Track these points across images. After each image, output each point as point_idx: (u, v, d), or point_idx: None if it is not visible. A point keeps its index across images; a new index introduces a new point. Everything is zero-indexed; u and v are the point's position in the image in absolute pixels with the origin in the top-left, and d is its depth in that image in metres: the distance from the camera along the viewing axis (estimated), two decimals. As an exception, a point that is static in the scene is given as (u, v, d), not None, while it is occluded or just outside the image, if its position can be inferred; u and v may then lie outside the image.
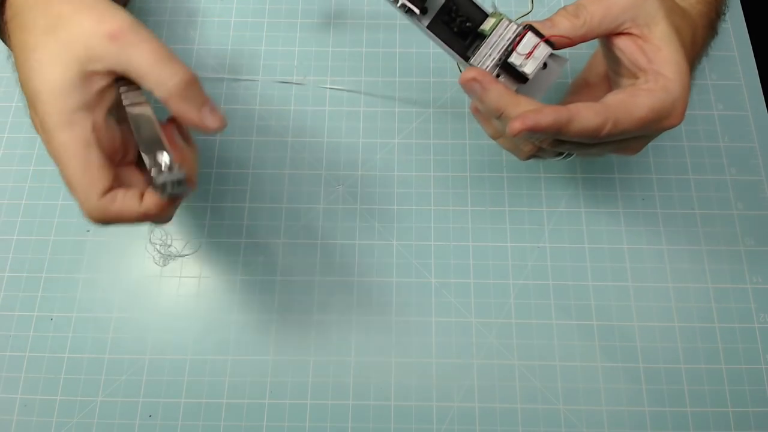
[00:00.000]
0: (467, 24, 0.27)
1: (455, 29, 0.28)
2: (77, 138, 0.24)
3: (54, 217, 0.37)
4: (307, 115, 0.39)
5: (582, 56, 0.34)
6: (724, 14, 0.33)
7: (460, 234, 0.36)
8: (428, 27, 0.28)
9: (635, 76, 0.27)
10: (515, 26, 0.27)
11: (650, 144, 0.38)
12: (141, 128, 0.25)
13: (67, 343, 0.34)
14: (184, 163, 0.26)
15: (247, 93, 0.40)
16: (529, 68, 0.26)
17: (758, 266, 0.35)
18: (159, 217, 0.26)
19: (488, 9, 0.27)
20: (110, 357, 0.34)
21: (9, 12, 0.28)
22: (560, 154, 0.30)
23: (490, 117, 0.29)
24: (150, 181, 0.25)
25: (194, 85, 0.25)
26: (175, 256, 0.36)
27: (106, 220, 0.25)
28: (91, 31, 0.24)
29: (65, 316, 0.35)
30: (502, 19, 0.27)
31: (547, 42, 0.26)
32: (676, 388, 0.33)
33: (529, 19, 0.28)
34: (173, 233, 0.36)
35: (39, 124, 0.25)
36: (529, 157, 0.30)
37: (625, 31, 0.27)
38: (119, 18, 0.25)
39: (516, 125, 0.25)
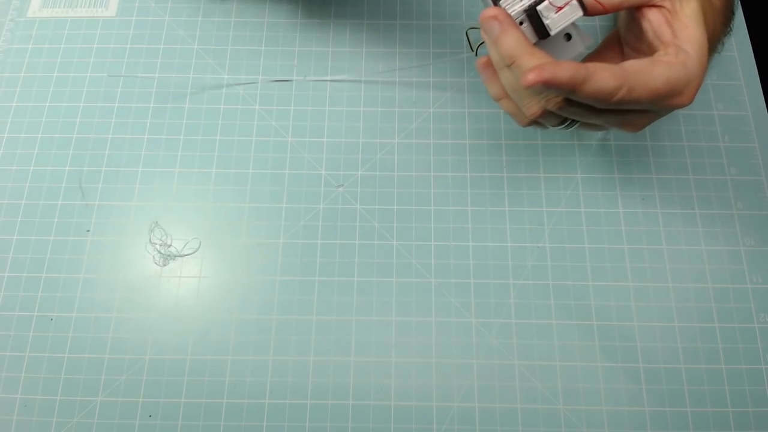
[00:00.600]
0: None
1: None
2: None
3: (54, 217, 0.37)
4: (307, 115, 0.39)
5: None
6: (734, 14, 0.33)
7: (460, 234, 0.36)
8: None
9: (654, 50, 0.27)
10: None
11: (650, 144, 0.38)
12: None
13: (67, 343, 0.34)
14: None
15: (247, 93, 0.40)
16: (554, 23, 0.25)
17: (758, 266, 0.35)
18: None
19: None
20: (110, 357, 0.34)
21: None
22: (563, 122, 0.29)
23: (501, 67, 0.27)
24: None
25: None
26: (175, 256, 0.36)
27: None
28: None
29: (65, 316, 0.35)
30: None
31: (581, 4, 0.25)
32: (676, 388, 0.33)
33: None
34: (173, 233, 0.36)
35: None
36: (530, 123, 0.29)
37: (658, 3, 0.27)
38: None
39: (531, 76, 0.24)
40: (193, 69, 0.41)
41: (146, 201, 0.37)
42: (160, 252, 0.36)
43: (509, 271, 0.35)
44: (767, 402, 0.33)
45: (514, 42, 0.25)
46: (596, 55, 0.31)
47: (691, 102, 0.26)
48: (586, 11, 0.26)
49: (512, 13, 0.26)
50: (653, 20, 0.27)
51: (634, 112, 0.27)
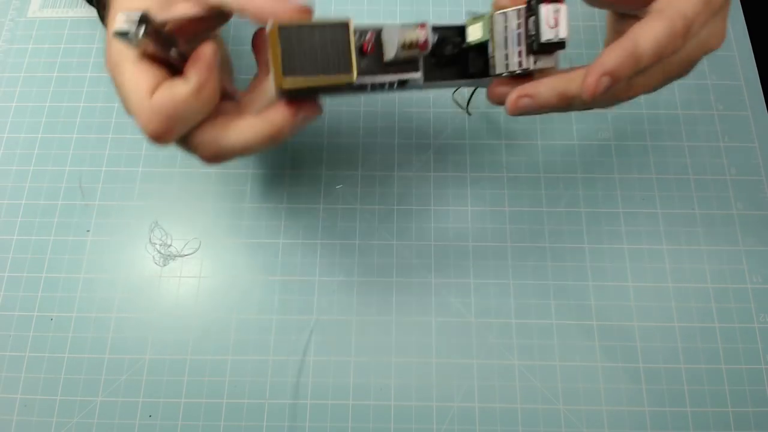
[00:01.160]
0: (462, 46, 0.26)
1: (450, 59, 0.26)
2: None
3: (54, 217, 0.37)
4: (307, 115, 0.39)
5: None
6: None
7: (460, 234, 0.36)
8: (426, 80, 0.26)
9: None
10: (513, 11, 0.25)
11: (650, 144, 0.38)
12: None
13: (67, 343, 0.34)
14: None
15: (247, 93, 0.40)
16: (563, 32, 0.25)
17: (758, 266, 0.35)
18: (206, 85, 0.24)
19: (461, 20, 0.26)
20: (110, 357, 0.34)
21: None
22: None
23: (560, 106, 0.26)
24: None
25: None
26: (175, 256, 0.36)
27: (165, 119, 0.23)
28: None
29: (65, 316, 0.35)
30: (492, 15, 0.25)
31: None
32: (676, 388, 0.33)
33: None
34: (173, 233, 0.36)
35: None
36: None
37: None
38: None
39: (592, 86, 0.23)
40: (193, 69, 0.40)
41: (146, 201, 0.37)
42: (160, 252, 0.36)
43: (509, 271, 0.35)
44: (767, 402, 0.33)
45: (551, 91, 0.25)
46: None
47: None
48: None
49: (519, 65, 0.25)
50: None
51: (675, 58, 0.26)
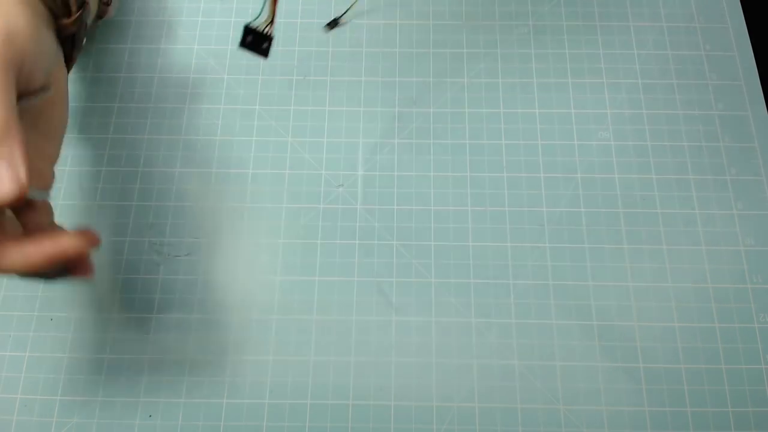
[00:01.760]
0: None
1: None
2: None
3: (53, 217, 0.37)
4: (307, 115, 0.39)
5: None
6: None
7: (460, 234, 0.36)
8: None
9: None
10: None
11: (650, 144, 0.38)
12: None
13: (67, 343, 0.34)
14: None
15: (247, 93, 0.40)
16: None
17: (758, 266, 0.35)
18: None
19: None
20: (110, 357, 0.34)
21: None
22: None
23: None
24: None
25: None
26: (175, 256, 0.36)
27: None
28: None
29: (65, 316, 0.35)
30: None
31: None
32: (676, 388, 0.33)
33: None
34: (173, 233, 0.36)
35: None
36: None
37: None
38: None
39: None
40: (193, 69, 0.41)
41: (146, 201, 0.37)
42: (159, 252, 0.36)
43: (509, 271, 0.36)
44: (767, 402, 0.33)
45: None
46: None
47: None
48: None
49: None
50: None
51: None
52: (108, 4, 0.28)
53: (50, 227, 0.27)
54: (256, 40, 0.32)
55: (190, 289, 0.35)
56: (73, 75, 0.40)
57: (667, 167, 0.38)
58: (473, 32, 0.41)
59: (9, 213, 0.26)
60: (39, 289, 0.35)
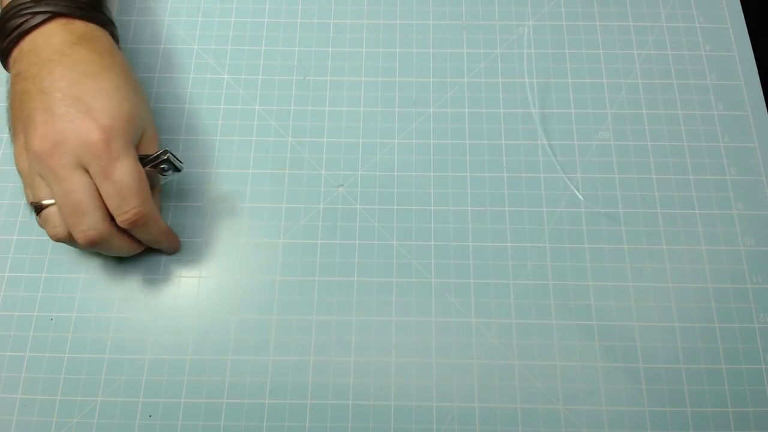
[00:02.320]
0: None
1: None
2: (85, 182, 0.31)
3: (54, 217, 0.37)
4: (307, 115, 0.39)
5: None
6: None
7: (460, 234, 0.36)
8: None
9: None
10: None
11: (650, 144, 0.38)
12: None
13: (67, 343, 0.34)
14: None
15: (246, 93, 0.40)
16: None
17: (758, 266, 0.35)
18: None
19: None
20: (110, 357, 0.34)
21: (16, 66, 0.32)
22: None
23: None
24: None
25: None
26: (174, 256, 0.36)
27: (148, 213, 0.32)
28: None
29: (65, 316, 0.35)
30: None
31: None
32: (676, 388, 0.33)
33: None
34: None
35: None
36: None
37: None
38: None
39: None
40: (193, 69, 0.41)
41: (146, 201, 0.37)
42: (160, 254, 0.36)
43: (509, 271, 0.35)
44: (767, 402, 0.33)
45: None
46: None
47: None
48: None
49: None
50: None
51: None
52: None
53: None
54: None
55: (190, 289, 0.35)
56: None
57: (667, 167, 0.38)
58: (473, 32, 0.41)
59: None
60: (39, 288, 0.35)
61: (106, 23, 0.35)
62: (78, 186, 0.30)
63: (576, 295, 0.35)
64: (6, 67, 0.34)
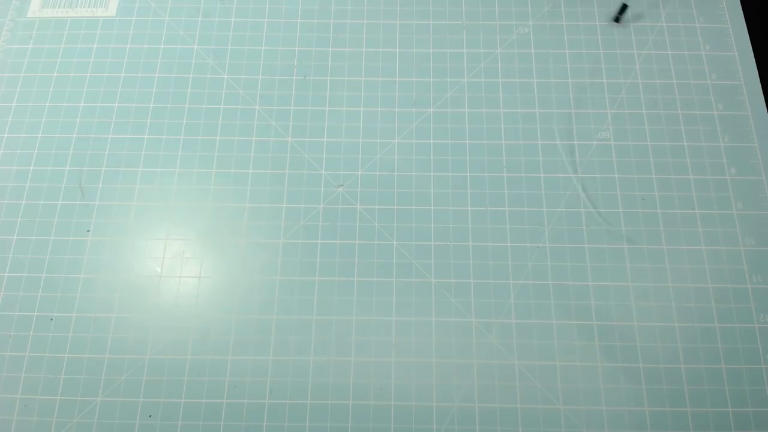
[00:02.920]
0: None
1: None
2: None
3: (54, 217, 0.37)
4: (307, 115, 0.39)
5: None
6: None
7: (460, 234, 0.36)
8: None
9: None
10: None
11: (650, 144, 0.38)
12: None
13: (67, 343, 0.34)
14: None
15: (247, 93, 0.40)
16: None
17: (758, 266, 0.35)
18: None
19: None
20: (110, 357, 0.34)
21: None
22: None
23: None
24: None
25: None
26: (175, 256, 0.36)
27: None
28: None
29: (65, 316, 0.35)
30: None
31: None
32: (676, 388, 0.33)
33: None
34: (173, 233, 0.36)
35: None
36: None
37: None
38: None
39: None
40: (193, 69, 0.41)
41: (146, 201, 0.37)
42: (159, 251, 0.36)
43: (509, 271, 0.36)
44: (767, 402, 0.33)
45: None
46: None
47: None
48: None
49: None
50: None
51: None
52: None
53: None
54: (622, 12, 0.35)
55: (190, 289, 0.35)
56: (73, 75, 0.41)
57: (667, 167, 0.38)
58: (473, 32, 0.41)
59: None
60: (39, 288, 0.35)
61: None
62: None
63: (576, 295, 0.35)
64: None
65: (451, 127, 0.39)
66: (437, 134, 0.39)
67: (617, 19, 0.39)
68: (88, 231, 0.37)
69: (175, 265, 0.36)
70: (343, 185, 0.38)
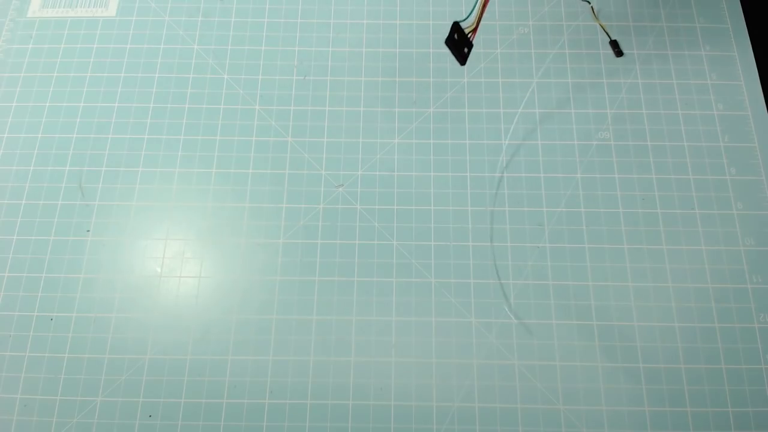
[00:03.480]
0: None
1: None
2: None
3: (54, 217, 0.37)
4: (307, 115, 0.39)
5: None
6: None
7: (460, 234, 0.36)
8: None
9: None
10: None
11: (650, 144, 0.38)
12: None
13: (67, 343, 0.34)
14: None
15: (246, 93, 0.40)
16: None
17: (758, 266, 0.35)
18: None
19: None
20: (110, 357, 0.34)
21: None
22: None
23: None
24: None
25: None
26: (175, 256, 0.36)
27: None
28: None
29: (65, 316, 0.35)
30: None
31: None
32: (676, 388, 0.33)
33: None
34: (173, 233, 0.36)
35: None
36: None
37: None
38: None
39: None
40: (193, 69, 0.41)
41: (146, 201, 0.37)
42: (159, 251, 0.36)
43: (509, 271, 0.35)
44: (767, 402, 0.33)
45: None
46: None
47: None
48: None
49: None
50: None
51: None
52: None
53: None
54: (459, 42, 0.33)
55: (190, 289, 0.35)
56: (73, 75, 0.41)
57: (667, 167, 0.38)
58: (473, 32, 0.41)
59: None
60: (39, 288, 0.35)
61: None
62: None
63: (576, 295, 0.35)
64: None
65: (451, 127, 0.39)
66: (437, 134, 0.39)
67: (618, 54, 0.40)
68: (88, 231, 0.37)
69: (175, 265, 0.36)
70: (343, 185, 0.38)
